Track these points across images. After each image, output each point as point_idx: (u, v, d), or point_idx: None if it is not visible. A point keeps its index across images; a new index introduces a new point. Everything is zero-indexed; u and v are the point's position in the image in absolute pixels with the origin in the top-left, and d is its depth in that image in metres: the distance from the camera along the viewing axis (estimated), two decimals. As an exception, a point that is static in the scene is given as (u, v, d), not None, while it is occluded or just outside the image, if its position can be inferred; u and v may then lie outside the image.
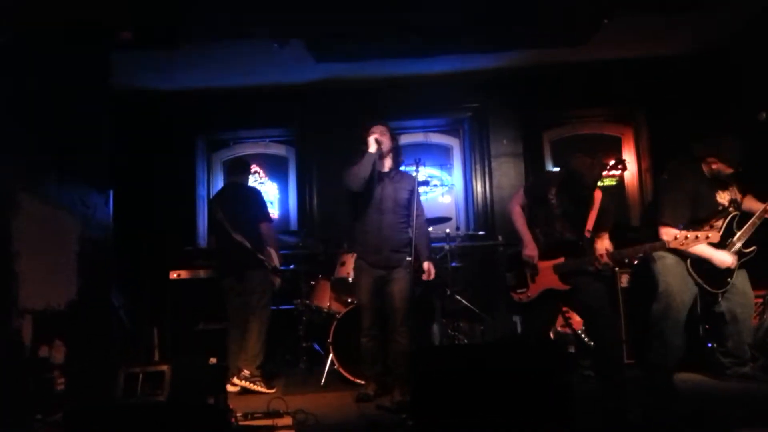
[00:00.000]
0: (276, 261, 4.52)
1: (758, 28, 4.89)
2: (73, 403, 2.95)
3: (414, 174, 3.87)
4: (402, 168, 4.14)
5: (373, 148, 3.83)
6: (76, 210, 4.45)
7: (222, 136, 6.55)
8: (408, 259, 3.89)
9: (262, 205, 4.59)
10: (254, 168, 6.52)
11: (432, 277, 3.97)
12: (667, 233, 3.56)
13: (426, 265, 3.96)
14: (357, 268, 4.03)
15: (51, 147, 4.12)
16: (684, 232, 3.35)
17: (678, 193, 3.69)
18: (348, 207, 4.07)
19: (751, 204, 3.86)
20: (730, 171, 3.69)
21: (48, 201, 4.06)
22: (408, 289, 3.80)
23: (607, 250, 3.47)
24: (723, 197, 3.78)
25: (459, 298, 5.08)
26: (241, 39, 4.84)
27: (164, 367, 2.93)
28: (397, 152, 4.04)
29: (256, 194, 4.68)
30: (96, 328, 4.37)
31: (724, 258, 3.65)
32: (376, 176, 3.88)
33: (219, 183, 6.50)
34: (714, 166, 3.71)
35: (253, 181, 6.46)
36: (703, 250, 3.62)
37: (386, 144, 3.92)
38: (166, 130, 6.08)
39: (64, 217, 4.26)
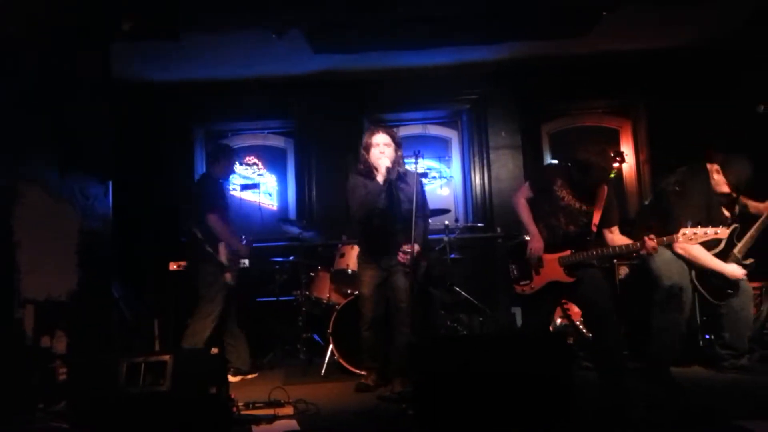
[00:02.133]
0: (222, 256, 4.38)
1: (758, 21, 4.89)
2: (75, 393, 2.95)
3: (414, 168, 3.76)
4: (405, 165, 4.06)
5: (381, 177, 3.76)
6: (77, 201, 4.44)
7: (220, 128, 6.53)
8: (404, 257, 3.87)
9: (206, 194, 4.46)
10: (252, 159, 6.52)
11: (407, 256, 3.75)
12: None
13: (412, 247, 3.69)
14: (361, 261, 4.03)
15: (52, 138, 4.12)
16: (693, 229, 3.33)
17: (694, 202, 3.68)
18: (354, 220, 4.04)
19: (757, 206, 3.91)
20: (725, 189, 3.73)
21: (49, 192, 4.06)
22: (411, 281, 3.78)
23: (651, 236, 3.41)
24: (726, 210, 3.83)
25: (458, 289, 5.10)
26: (240, 30, 4.82)
27: (166, 357, 2.93)
28: (401, 160, 3.93)
29: (202, 184, 4.61)
30: (97, 319, 4.38)
31: (735, 270, 3.71)
32: (391, 191, 3.80)
33: (217, 174, 6.49)
34: (715, 175, 3.75)
35: (251, 172, 6.51)
36: (715, 264, 3.69)
37: (392, 158, 3.80)
38: (165, 122, 6.06)
39: (64, 208, 4.25)
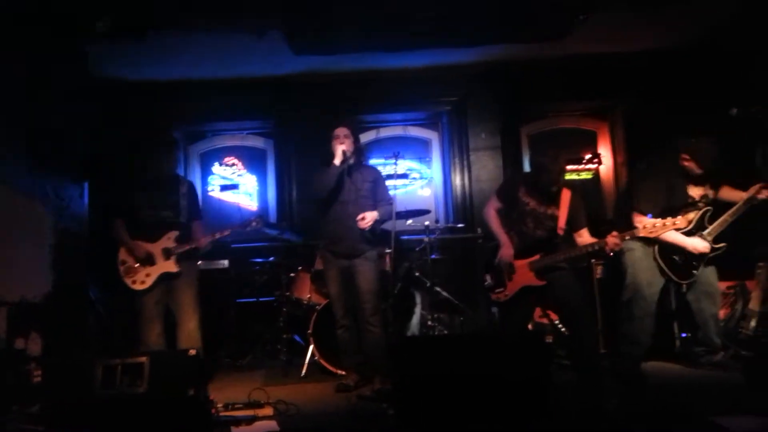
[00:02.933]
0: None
1: (734, 26, 5.00)
2: (50, 395, 2.91)
3: (384, 167, 3.94)
4: (372, 162, 4.23)
5: (338, 159, 3.93)
6: (51, 202, 4.39)
7: (199, 128, 6.47)
8: (375, 250, 4.00)
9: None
10: (231, 160, 6.48)
11: (367, 222, 3.87)
12: (640, 221, 3.65)
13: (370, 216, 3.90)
14: (324, 260, 4.11)
15: (23, 139, 4.06)
16: (652, 221, 3.44)
17: (654, 182, 3.80)
18: (316, 203, 4.16)
19: (730, 194, 3.95)
20: (699, 172, 3.81)
21: (21, 193, 4.00)
22: (374, 280, 3.92)
23: (612, 233, 3.49)
24: (694, 191, 3.89)
25: (439, 289, 5.12)
26: (219, 30, 4.80)
27: (143, 359, 2.90)
28: (360, 151, 4.15)
29: None
30: (72, 320, 4.32)
31: (696, 243, 3.76)
32: (345, 177, 3.97)
33: (196, 174, 6.44)
34: (686, 163, 3.82)
35: (231, 173, 6.46)
36: (675, 237, 3.72)
37: (349, 148, 3.99)
38: (142, 121, 5.99)
39: (38, 209, 4.20)
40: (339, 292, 4.00)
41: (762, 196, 3.79)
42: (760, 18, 4.67)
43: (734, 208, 3.85)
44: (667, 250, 3.80)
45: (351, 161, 4.02)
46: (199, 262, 5.01)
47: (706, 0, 4.65)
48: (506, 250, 3.74)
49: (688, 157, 3.80)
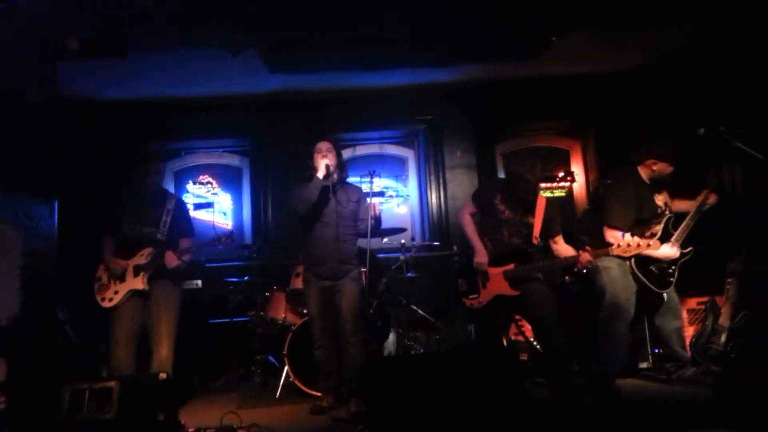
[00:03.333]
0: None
1: (703, 46, 5.14)
2: (15, 421, 2.82)
3: (361, 185, 3.90)
4: (349, 180, 4.15)
5: (321, 173, 3.84)
6: (19, 222, 4.29)
7: (174, 146, 6.41)
8: (358, 270, 3.96)
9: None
10: (206, 178, 6.43)
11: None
12: (613, 236, 3.71)
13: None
14: (305, 280, 4.04)
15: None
16: (627, 240, 3.47)
17: (622, 196, 3.86)
18: (296, 221, 4.08)
19: (680, 205, 4.08)
20: (670, 170, 3.89)
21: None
22: (356, 300, 3.85)
23: (586, 249, 3.55)
24: (659, 200, 3.98)
25: (415, 308, 5.11)
26: (194, 48, 4.78)
27: (112, 383, 2.85)
28: (343, 167, 4.04)
29: None
30: (39, 344, 4.21)
31: (667, 251, 3.82)
32: (329, 194, 3.87)
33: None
34: (655, 168, 3.89)
35: (206, 191, 6.41)
36: (649, 251, 3.76)
37: (333, 163, 3.92)
38: (117, 140, 5.93)
39: (5, 229, 4.10)
40: (318, 312, 3.93)
41: (711, 201, 3.96)
42: (727, 38, 4.82)
43: (690, 215, 3.96)
44: (643, 262, 3.85)
45: (334, 178, 3.90)
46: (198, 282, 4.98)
47: (675, 22, 4.79)
48: (480, 258, 3.74)
49: (656, 160, 3.87)
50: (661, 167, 3.88)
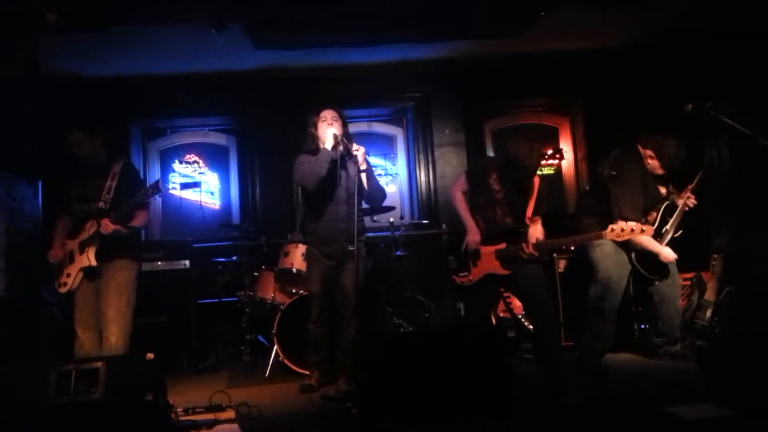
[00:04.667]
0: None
1: (691, 22, 5.10)
2: (0, 404, 2.80)
3: (355, 153, 3.65)
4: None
5: (329, 144, 3.62)
6: (2, 202, 4.22)
7: (158, 124, 6.34)
8: (365, 248, 3.88)
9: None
10: (192, 157, 6.36)
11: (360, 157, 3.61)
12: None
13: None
14: (310, 256, 3.94)
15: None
16: (620, 224, 3.44)
17: (631, 187, 3.78)
18: (302, 197, 3.96)
19: (677, 199, 4.08)
20: (660, 172, 3.87)
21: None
22: (361, 280, 3.74)
23: (537, 239, 3.53)
24: (662, 187, 3.98)
25: (404, 286, 5.12)
26: (176, 23, 4.68)
27: (98, 364, 2.81)
28: (349, 138, 3.81)
29: None
30: (25, 326, 4.18)
31: (669, 254, 3.84)
32: (339, 169, 3.69)
33: (155, 172, 6.30)
34: (650, 160, 3.87)
35: (192, 170, 6.34)
36: (651, 244, 3.79)
37: (340, 132, 3.72)
38: (99, 118, 5.80)
39: (-12, 211, 4.03)
40: (320, 291, 3.85)
41: (690, 203, 3.99)
42: (717, 14, 4.79)
43: (679, 210, 3.98)
44: (645, 255, 3.86)
45: (341, 149, 3.65)
46: (159, 263, 4.92)
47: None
48: (473, 236, 3.67)
49: (653, 154, 3.84)
50: (654, 165, 3.86)
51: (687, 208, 3.99)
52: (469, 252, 3.69)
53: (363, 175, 3.64)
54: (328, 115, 3.80)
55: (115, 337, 3.61)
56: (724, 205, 4.59)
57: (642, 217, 3.75)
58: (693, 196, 4.02)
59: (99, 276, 3.69)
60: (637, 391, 3.40)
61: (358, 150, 3.63)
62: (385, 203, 5.31)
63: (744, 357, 2.87)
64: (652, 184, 3.91)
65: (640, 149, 3.90)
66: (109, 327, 3.61)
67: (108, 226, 3.56)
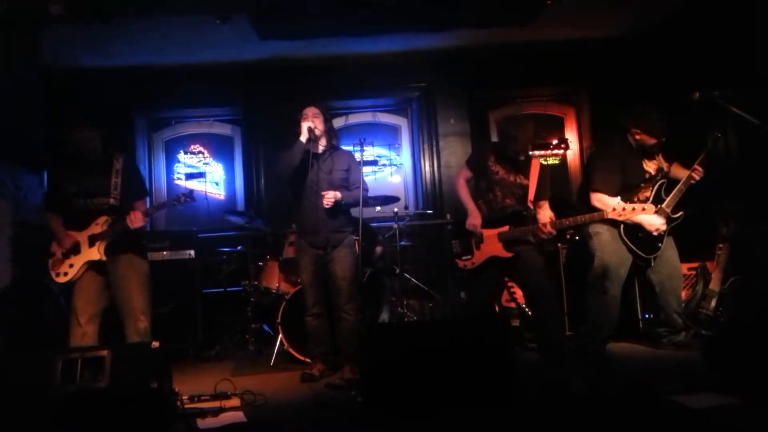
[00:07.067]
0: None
1: (697, 9, 5.05)
2: (8, 392, 2.82)
3: (352, 151, 3.86)
4: (342, 147, 4.11)
5: (304, 137, 3.82)
6: (8, 192, 4.25)
7: (163, 115, 6.34)
8: (351, 237, 3.95)
9: None
10: (197, 148, 6.37)
11: (329, 200, 3.78)
12: (600, 200, 3.74)
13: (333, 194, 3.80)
14: (298, 247, 4.03)
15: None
16: (621, 204, 3.46)
17: (607, 161, 3.86)
18: (287, 189, 4.06)
19: (677, 171, 4.05)
20: (652, 141, 3.86)
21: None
22: (351, 267, 3.86)
23: (550, 218, 3.58)
24: (650, 166, 3.95)
25: (408, 276, 5.13)
26: (182, 14, 4.67)
27: (104, 352, 2.84)
28: (331, 133, 4.01)
29: None
30: (32, 314, 4.22)
31: (653, 221, 3.80)
32: (310, 159, 3.84)
33: (161, 163, 6.32)
34: (638, 137, 3.88)
35: (197, 161, 6.35)
36: (635, 216, 3.74)
37: (319, 127, 3.89)
38: (104, 109, 5.82)
39: (-4, 201, 4.07)
40: (311, 280, 3.93)
41: (696, 176, 3.93)
42: (724, 1, 4.74)
43: (680, 184, 3.94)
44: (631, 228, 3.85)
45: (322, 144, 3.89)
46: (165, 253, 4.94)
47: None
48: (473, 219, 3.75)
49: (639, 131, 3.85)
50: (644, 138, 3.86)
51: (693, 181, 3.93)
52: (472, 235, 3.73)
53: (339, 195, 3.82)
54: (309, 112, 3.93)
55: (144, 324, 3.67)
56: (730, 194, 4.55)
57: (620, 193, 3.75)
58: (700, 168, 3.94)
59: (108, 270, 3.69)
60: (640, 380, 3.39)
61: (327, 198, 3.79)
62: (390, 193, 5.35)
63: (748, 346, 2.85)
64: (635, 162, 3.89)
65: (627, 130, 3.92)
66: (139, 315, 3.65)
67: (138, 221, 3.58)
